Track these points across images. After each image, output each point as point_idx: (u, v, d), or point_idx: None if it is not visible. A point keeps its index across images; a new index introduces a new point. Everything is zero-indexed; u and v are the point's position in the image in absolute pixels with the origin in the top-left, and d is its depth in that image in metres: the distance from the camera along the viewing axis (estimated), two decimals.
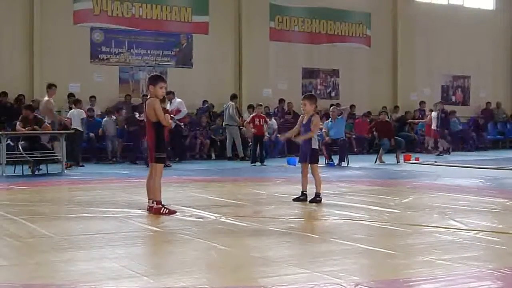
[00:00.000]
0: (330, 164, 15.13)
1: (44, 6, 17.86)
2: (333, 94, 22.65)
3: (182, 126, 16.95)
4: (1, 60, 17.48)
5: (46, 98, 14.26)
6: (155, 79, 7.26)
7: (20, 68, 17.73)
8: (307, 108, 8.23)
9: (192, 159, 17.45)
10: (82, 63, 18.44)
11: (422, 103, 23.30)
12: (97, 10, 18.67)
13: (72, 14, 18.35)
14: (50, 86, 14.35)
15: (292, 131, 8.76)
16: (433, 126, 19.88)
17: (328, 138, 15.40)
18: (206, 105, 19.59)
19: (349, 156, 15.72)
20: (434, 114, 20.13)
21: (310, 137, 8.19)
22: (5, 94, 17.09)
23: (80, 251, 5.10)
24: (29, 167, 12.90)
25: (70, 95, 17.87)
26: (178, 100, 16.90)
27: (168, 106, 16.42)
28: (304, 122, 8.29)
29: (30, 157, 12.72)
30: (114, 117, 17.23)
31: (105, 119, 17.14)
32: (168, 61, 19.69)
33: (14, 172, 12.81)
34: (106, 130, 16.88)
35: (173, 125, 15.51)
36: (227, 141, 17.87)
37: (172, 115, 15.68)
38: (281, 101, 20.62)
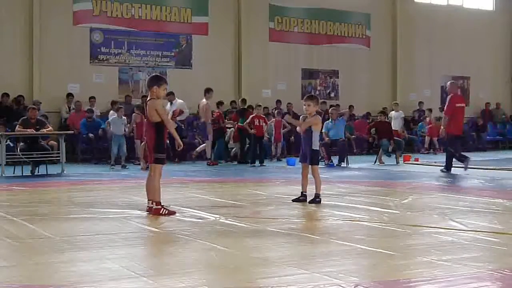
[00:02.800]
0: (329, 165, 15.13)
1: (43, 6, 17.85)
2: (332, 95, 22.66)
3: (183, 127, 16.99)
4: (1, 60, 17.45)
5: (204, 100, 15.51)
6: (159, 80, 7.23)
7: (20, 69, 17.72)
8: (311, 109, 8.20)
9: (192, 160, 17.41)
10: (82, 63, 18.43)
11: (420, 103, 23.31)
12: (97, 11, 18.66)
13: (72, 14, 18.35)
14: (208, 91, 15.67)
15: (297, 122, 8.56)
16: (393, 127, 19.02)
17: (327, 138, 15.40)
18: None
19: (348, 156, 15.74)
20: (394, 113, 19.95)
21: (309, 126, 8.12)
22: (7, 95, 17.10)
23: (79, 252, 5.09)
24: (31, 171, 12.93)
25: (69, 95, 17.91)
26: (180, 101, 16.91)
27: (168, 107, 16.45)
28: None
29: (30, 158, 12.73)
30: (124, 117, 15.33)
31: (114, 117, 15.36)
32: (167, 62, 19.70)
33: (14, 173, 12.81)
34: (112, 129, 15.03)
35: (175, 126, 15.67)
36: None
37: (175, 116, 15.90)
38: (278, 102, 20.59)
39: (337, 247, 5.30)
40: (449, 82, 13.95)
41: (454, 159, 13.08)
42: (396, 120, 19.78)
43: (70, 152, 15.41)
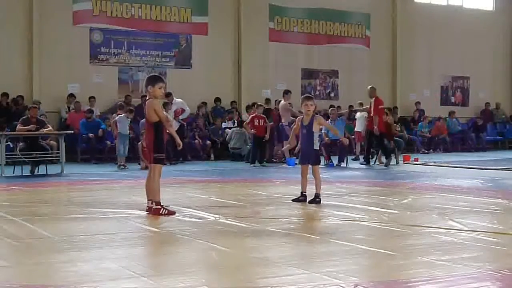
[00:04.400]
0: (329, 165, 15.13)
1: (43, 6, 17.84)
2: (332, 95, 22.65)
3: (185, 126, 16.96)
4: (0, 60, 17.44)
5: (283, 102, 16.61)
6: (154, 80, 7.23)
7: (19, 69, 17.70)
8: (312, 109, 8.23)
9: (193, 159, 17.41)
10: (81, 63, 18.41)
11: (417, 103, 23.31)
12: (97, 10, 18.65)
13: (72, 14, 18.33)
14: (287, 92, 16.79)
15: (290, 140, 8.76)
16: (357, 128, 17.68)
17: (327, 139, 15.40)
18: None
19: (348, 157, 15.74)
20: (358, 114, 17.67)
21: (311, 126, 8.17)
22: (6, 95, 17.09)
23: (79, 252, 5.09)
24: (31, 171, 12.92)
25: (70, 95, 17.90)
26: (179, 100, 16.85)
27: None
28: (305, 123, 8.25)
29: (30, 158, 12.72)
30: (129, 118, 15.02)
31: (121, 115, 14.99)
32: (167, 62, 19.69)
33: (13, 173, 12.80)
34: (119, 128, 14.74)
35: (178, 125, 15.62)
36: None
37: (177, 116, 15.83)
38: (278, 102, 20.55)
39: (337, 247, 5.30)
40: (369, 87, 15.72)
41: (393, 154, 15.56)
42: (359, 120, 17.42)
43: (69, 152, 15.39)
